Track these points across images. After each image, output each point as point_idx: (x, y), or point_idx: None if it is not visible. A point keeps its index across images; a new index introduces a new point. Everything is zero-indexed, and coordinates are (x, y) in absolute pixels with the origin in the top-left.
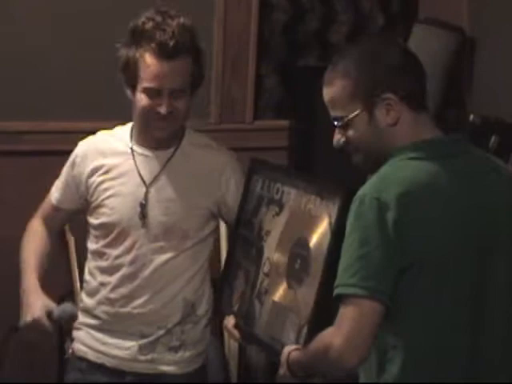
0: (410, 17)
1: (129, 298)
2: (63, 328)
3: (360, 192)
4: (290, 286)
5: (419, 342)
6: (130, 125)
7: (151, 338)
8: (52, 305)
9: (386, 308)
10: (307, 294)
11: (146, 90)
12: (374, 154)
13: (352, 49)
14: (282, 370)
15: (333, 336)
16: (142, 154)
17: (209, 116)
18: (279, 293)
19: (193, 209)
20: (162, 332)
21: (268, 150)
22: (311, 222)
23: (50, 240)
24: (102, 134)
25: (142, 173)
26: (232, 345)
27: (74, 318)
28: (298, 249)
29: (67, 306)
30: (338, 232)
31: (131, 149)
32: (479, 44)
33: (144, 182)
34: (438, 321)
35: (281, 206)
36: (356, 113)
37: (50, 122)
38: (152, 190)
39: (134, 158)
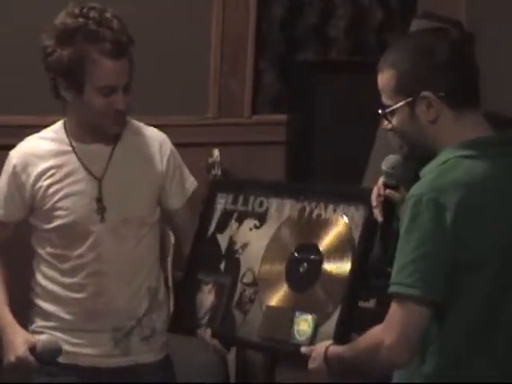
0: (408, 11)
1: (97, 295)
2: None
3: (415, 191)
4: (294, 289)
5: (460, 337)
6: (60, 124)
7: (124, 331)
8: (33, 339)
9: (437, 308)
10: (324, 293)
11: (100, 89)
12: (419, 148)
13: (406, 40)
14: (315, 364)
15: (384, 334)
16: (84, 150)
17: (206, 111)
18: (277, 297)
19: (145, 194)
20: (133, 323)
21: (266, 145)
22: (320, 228)
23: (3, 263)
24: (33, 139)
25: (90, 168)
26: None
27: (58, 351)
28: (302, 254)
29: (49, 339)
30: (367, 233)
31: (72, 146)
32: (477, 38)
33: (94, 176)
34: (481, 317)
35: (263, 219)
36: (398, 105)
37: None
38: (104, 183)
39: (76, 156)
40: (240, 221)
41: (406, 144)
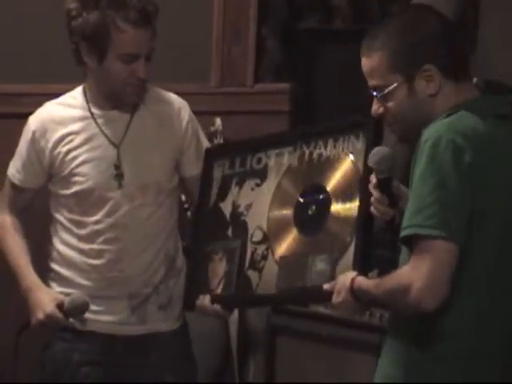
0: None
1: (114, 261)
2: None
3: (432, 133)
4: (305, 234)
5: (478, 295)
6: (79, 90)
7: (140, 298)
8: (60, 297)
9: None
10: (336, 229)
11: (123, 57)
12: (414, 124)
13: (391, 19)
14: (340, 297)
15: (411, 278)
16: (103, 116)
17: (209, 79)
18: (289, 246)
19: (163, 160)
20: (149, 290)
21: (268, 114)
22: (323, 167)
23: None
24: (52, 105)
25: (108, 134)
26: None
27: (86, 306)
28: (309, 197)
29: (76, 296)
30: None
31: (91, 113)
32: (483, 6)
33: (113, 143)
34: (495, 269)
35: (263, 176)
36: (395, 85)
37: None
38: (123, 150)
39: (95, 122)
40: (240, 184)
41: (401, 126)
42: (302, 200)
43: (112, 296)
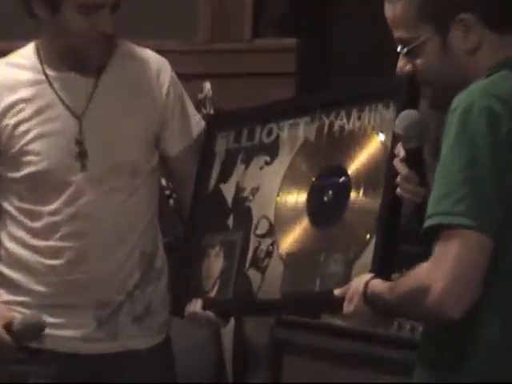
0: None
1: (76, 262)
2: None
3: (463, 99)
4: (318, 226)
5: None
6: (30, 48)
7: (110, 308)
8: (9, 314)
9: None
10: (355, 224)
11: (80, 6)
12: (448, 86)
13: None
14: (352, 306)
15: (432, 277)
16: (60, 80)
17: (197, 34)
18: (299, 240)
19: (138, 135)
20: (122, 298)
21: (270, 77)
22: (345, 143)
23: None
24: None
25: (68, 102)
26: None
27: (41, 326)
28: (325, 179)
29: (30, 314)
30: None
31: (45, 75)
32: None
33: (74, 113)
34: None
35: (274, 151)
36: (425, 37)
37: None
38: (86, 122)
39: (51, 86)
40: (247, 161)
41: (432, 88)
42: (318, 182)
43: (74, 305)
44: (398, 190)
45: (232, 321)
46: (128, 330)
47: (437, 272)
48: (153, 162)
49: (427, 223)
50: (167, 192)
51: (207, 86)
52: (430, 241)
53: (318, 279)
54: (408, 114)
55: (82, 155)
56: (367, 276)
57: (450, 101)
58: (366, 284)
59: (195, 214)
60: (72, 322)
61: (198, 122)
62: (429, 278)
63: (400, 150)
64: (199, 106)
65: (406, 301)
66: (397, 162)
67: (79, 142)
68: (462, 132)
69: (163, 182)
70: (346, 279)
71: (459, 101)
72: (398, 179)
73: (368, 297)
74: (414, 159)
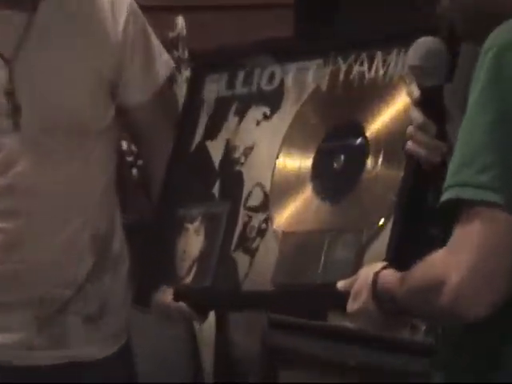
0: None
1: (9, 247)
2: None
3: (494, 41)
4: (325, 199)
5: None
6: None
7: (55, 306)
8: None
9: None
10: (370, 199)
11: None
12: (480, 16)
13: None
14: (357, 303)
15: (447, 267)
16: None
17: None
18: (297, 215)
19: (85, 84)
20: (69, 293)
21: (261, 10)
22: (364, 95)
23: None
24: None
25: None
26: (206, 325)
27: None
28: (337, 140)
29: None
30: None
31: None
32: None
33: (2, 57)
34: None
35: (276, 102)
36: None
37: None
38: (19, 69)
39: None
40: (241, 113)
41: (461, 16)
42: (328, 143)
43: (8, 303)
44: (410, 144)
45: (212, 318)
46: (78, 335)
47: (453, 261)
48: (107, 117)
49: (443, 197)
50: (129, 159)
51: (180, 21)
52: (448, 220)
53: (320, 267)
54: (426, 42)
55: (13, 110)
56: (379, 265)
57: (486, 33)
58: (377, 275)
59: (172, 178)
60: (5, 325)
61: (165, 63)
62: (443, 268)
63: (414, 90)
64: (170, 47)
65: (416, 297)
66: (410, 107)
67: (9, 94)
68: (493, 81)
69: (124, 145)
70: (356, 268)
71: (493, 40)
72: (410, 129)
73: (377, 291)
74: (432, 102)
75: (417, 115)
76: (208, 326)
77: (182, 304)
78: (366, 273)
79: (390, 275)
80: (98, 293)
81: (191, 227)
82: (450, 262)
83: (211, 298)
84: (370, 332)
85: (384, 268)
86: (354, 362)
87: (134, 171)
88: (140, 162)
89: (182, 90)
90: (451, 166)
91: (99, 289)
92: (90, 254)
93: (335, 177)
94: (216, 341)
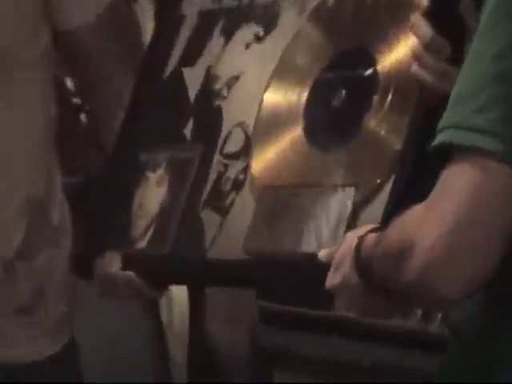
0: None
1: None
2: None
3: None
4: (316, 142)
5: None
6: None
7: None
8: None
9: None
10: (369, 151)
11: None
12: None
13: None
14: (339, 274)
15: (421, 225)
16: None
17: None
18: (285, 165)
19: (7, 2)
20: None
21: None
22: (378, 17)
23: None
24: None
25: None
26: (177, 315)
27: None
28: (340, 71)
29: None
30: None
31: None
32: None
33: None
34: None
35: (271, 20)
36: None
37: None
38: None
39: None
40: (228, 33)
41: None
42: (325, 76)
43: None
44: (414, 67)
45: (185, 305)
46: (7, 330)
47: (429, 217)
48: (39, 42)
49: (435, 141)
50: (76, 101)
51: None
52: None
53: (304, 232)
54: None
55: None
56: (367, 228)
57: None
58: (362, 239)
59: (135, 115)
60: None
61: None
62: (417, 226)
63: None
64: None
65: (386, 264)
66: (417, 18)
67: None
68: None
69: (68, 83)
70: (348, 229)
71: None
72: (416, 46)
73: (361, 259)
74: (445, 11)
75: (425, 29)
76: (179, 317)
77: (131, 274)
78: (352, 238)
79: (374, 238)
80: (31, 274)
81: (153, 176)
82: (426, 219)
83: (169, 268)
84: (380, 323)
85: (372, 231)
86: (370, 362)
87: (83, 117)
88: (88, 106)
89: (144, 7)
90: (450, 100)
91: (33, 269)
92: (20, 225)
93: (332, 117)
94: (191, 335)
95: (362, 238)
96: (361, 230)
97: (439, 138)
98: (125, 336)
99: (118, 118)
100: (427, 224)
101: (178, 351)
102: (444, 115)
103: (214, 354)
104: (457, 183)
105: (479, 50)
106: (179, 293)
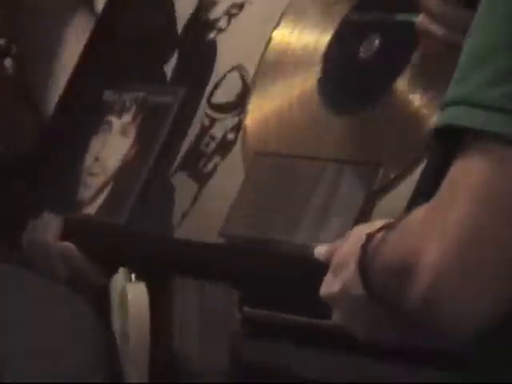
0: None
1: None
2: None
3: None
4: (333, 103)
5: None
6: None
7: None
8: None
9: None
10: (394, 122)
11: None
12: None
13: None
14: (338, 281)
15: (425, 233)
16: None
17: None
18: (290, 127)
19: None
20: None
21: None
22: None
23: None
24: None
25: None
26: (134, 322)
27: None
28: (371, 13)
29: None
30: None
31: None
32: None
33: None
34: None
35: None
36: None
37: None
38: None
39: None
40: None
41: None
42: (355, 17)
43: None
44: (421, 17)
45: (145, 311)
46: None
47: (434, 223)
48: None
49: (436, 121)
50: None
51: None
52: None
53: (303, 218)
54: None
55: None
56: (380, 223)
57: None
58: (371, 238)
59: (101, 40)
60: None
61: None
62: (419, 235)
63: None
64: None
65: (385, 283)
66: None
67: None
68: None
69: None
70: (358, 223)
71: None
72: None
73: (367, 263)
74: None
75: None
76: (137, 325)
77: (71, 246)
78: (359, 234)
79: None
80: None
81: (117, 123)
82: (430, 226)
83: (122, 244)
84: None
85: (386, 227)
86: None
87: (8, 62)
88: (15, 49)
89: None
90: (454, 74)
91: None
92: None
93: (356, 72)
94: (152, 351)
95: (371, 236)
96: (372, 225)
97: (440, 119)
98: (61, 352)
99: (50, 63)
100: (431, 234)
101: (135, 372)
102: (451, 87)
103: (185, 375)
104: (462, 179)
105: (489, 7)
106: (137, 293)
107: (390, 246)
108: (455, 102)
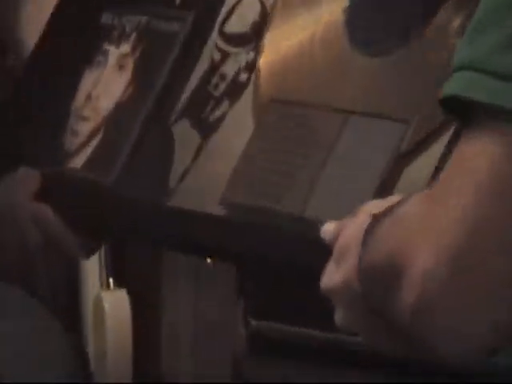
0: None
1: None
2: None
3: None
4: (359, 44)
5: None
6: None
7: None
8: None
9: None
10: (437, 66)
11: None
12: None
13: None
14: (340, 269)
15: (417, 231)
16: None
17: None
18: (306, 74)
19: None
20: None
21: None
22: None
23: None
24: None
25: None
26: (112, 334)
27: None
28: None
29: None
30: None
31: None
32: None
33: None
34: None
35: None
36: None
37: None
38: None
39: None
40: None
41: None
42: None
43: None
44: None
45: (126, 317)
46: None
47: (430, 217)
48: None
49: (444, 90)
50: None
51: None
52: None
53: (316, 187)
54: None
55: None
56: (392, 200)
57: None
58: (377, 220)
59: None
60: None
61: None
62: (411, 232)
63: None
64: None
65: (372, 286)
66: None
67: None
68: None
69: None
70: (381, 193)
71: None
72: None
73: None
74: None
75: None
76: (116, 338)
77: (45, 208)
78: (368, 212)
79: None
80: None
81: (115, 53)
82: (427, 220)
83: (109, 207)
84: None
85: (399, 204)
86: None
87: None
88: None
89: None
90: (465, 35)
91: None
92: None
93: (391, 6)
94: (136, 369)
95: (377, 218)
96: (383, 203)
97: (447, 90)
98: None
99: None
100: (427, 228)
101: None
102: (460, 49)
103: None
104: (466, 163)
105: None
106: (116, 302)
107: (380, 237)
108: (463, 67)
